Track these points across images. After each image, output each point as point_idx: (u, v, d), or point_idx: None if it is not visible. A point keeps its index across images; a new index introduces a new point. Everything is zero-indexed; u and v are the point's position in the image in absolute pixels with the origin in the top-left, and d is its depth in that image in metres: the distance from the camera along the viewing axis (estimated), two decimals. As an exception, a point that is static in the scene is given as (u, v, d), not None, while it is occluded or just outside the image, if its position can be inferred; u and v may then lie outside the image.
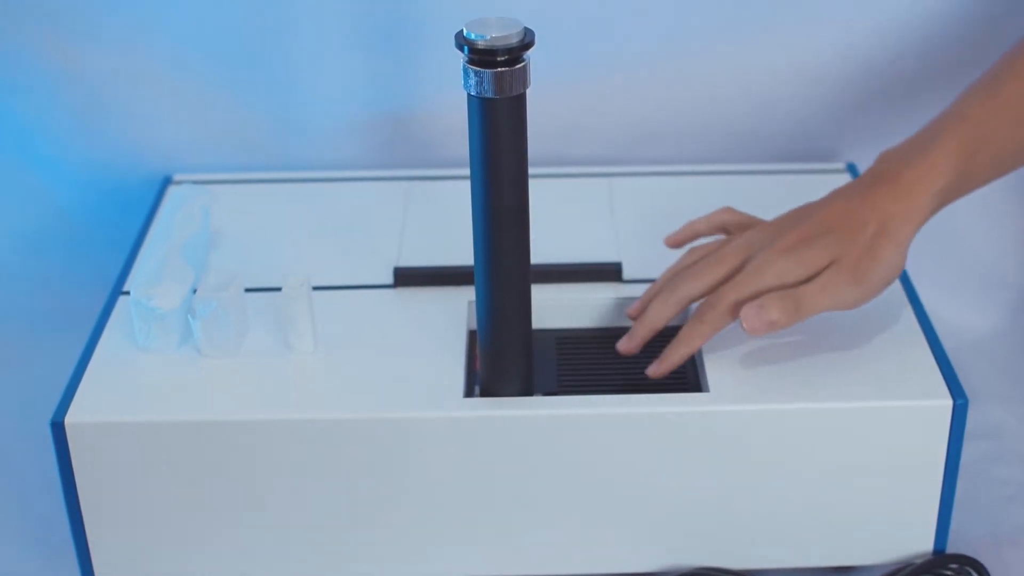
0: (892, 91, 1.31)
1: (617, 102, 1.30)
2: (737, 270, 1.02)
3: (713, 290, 1.02)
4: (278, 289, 1.06)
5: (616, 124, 1.32)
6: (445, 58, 1.23)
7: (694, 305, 1.05)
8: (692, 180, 1.27)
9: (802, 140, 1.33)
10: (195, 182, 1.23)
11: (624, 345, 1.05)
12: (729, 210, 1.10)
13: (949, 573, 1.03)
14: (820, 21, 1.26)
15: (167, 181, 1.29)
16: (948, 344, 1.07)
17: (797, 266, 1.00)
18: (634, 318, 1.06)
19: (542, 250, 1.05)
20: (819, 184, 1.24)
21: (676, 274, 1.05)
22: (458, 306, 1.09)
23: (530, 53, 0.90)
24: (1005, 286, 1.35)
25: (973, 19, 1.25)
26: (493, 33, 0.88)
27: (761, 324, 0.97)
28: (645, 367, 1.05)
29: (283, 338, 1.05)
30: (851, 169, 1.28)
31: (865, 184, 1.03)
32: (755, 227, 1.06)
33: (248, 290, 1.08)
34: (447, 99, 1.29)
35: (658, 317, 1.04)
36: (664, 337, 1.09)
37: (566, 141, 1.31)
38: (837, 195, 1.04)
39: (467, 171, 0.96)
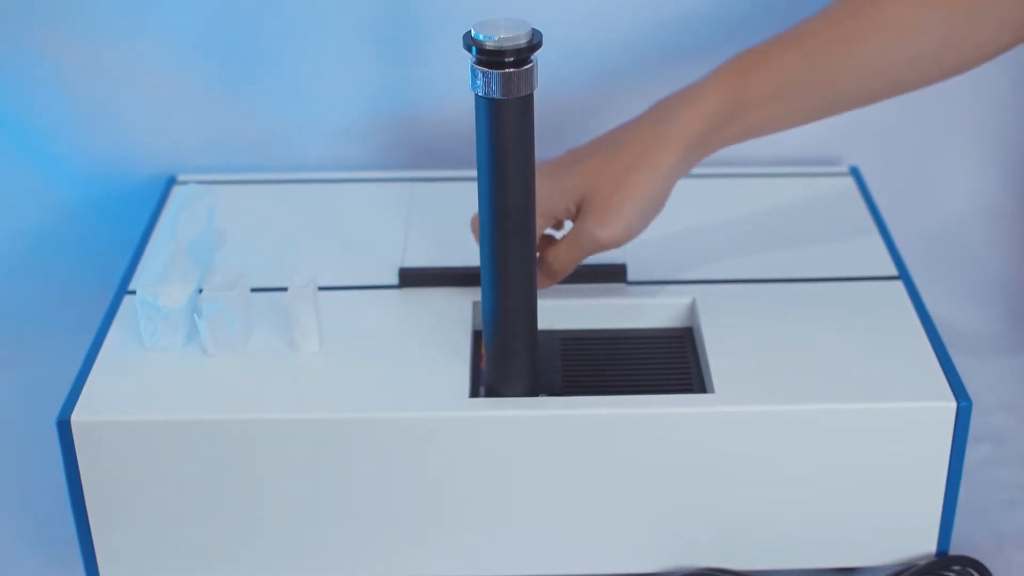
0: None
1: (623, 104, 1.30)
2: None
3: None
4: (283, 289, 1.06)
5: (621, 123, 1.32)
6: (449, 59, 1.24)
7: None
8: (696, 182, 1.27)
9: (805, 143, 1.33)
10: (199, 182, 1.23)
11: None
12: None
13: (951, 574, 1.03)
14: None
15: (172, 181, 1.29)
16: (950, 347, 1.07)
17: (554, 190, 1.03)
18: None
19: (547, 251, 1.05)
20: (822, 187, 1.25)
21: None
22: (463, 307, 1.09)
23: (538, 54, 0.90)
24: (1007, 289, 1.35)
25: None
26: (501, 34, 0.88)
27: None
28: (649, 368, 1.06)
29: (288, 338, 1.05)
30: (854, 172, 1.28)
31: (642, 114, 1.04)
32: None
33: (253, 290, 1.08)
34: (451, 100, 1.29)
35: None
36: (666, 337, 1.10)
37: (571, 142, 1.31)
38: (619, 125, 1.05)
39: (472, 172, 0.96)
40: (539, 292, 0.99)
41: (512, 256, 0.95)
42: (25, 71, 1.29)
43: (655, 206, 1.02)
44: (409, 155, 1.33)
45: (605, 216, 1.01)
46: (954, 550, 1.06)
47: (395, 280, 1.13)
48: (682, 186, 1.25)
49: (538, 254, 1.04)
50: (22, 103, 1.31)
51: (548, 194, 1.03)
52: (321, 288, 1.08)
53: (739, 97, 1.00)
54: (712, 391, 1.00)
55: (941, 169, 1.35)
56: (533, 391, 1.01)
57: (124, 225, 1.32)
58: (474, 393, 1.02)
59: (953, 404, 0.98)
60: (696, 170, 1.28)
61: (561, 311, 1.10)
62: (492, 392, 1.01)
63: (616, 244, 1.02)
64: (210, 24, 1.27)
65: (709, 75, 1.02)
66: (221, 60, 1.29)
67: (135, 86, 1.30)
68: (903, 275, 1.12)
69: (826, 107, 1.02)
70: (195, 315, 1.03)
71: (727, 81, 1.01)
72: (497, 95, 0.89)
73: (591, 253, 1.04)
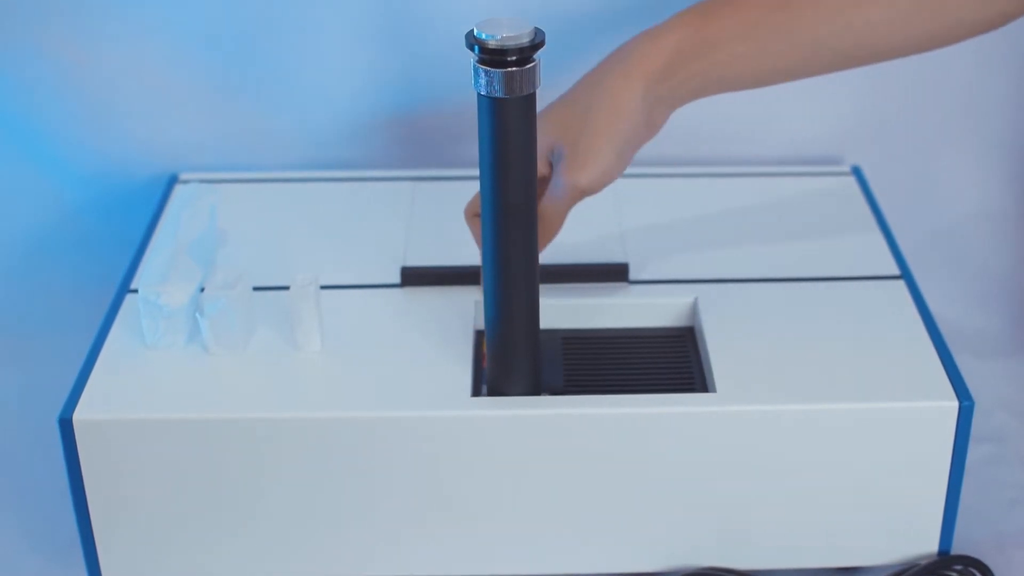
0: (896, 93, 1.31)
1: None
2: None
3: None
4: (285, 288, 1.06)
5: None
6: (452, 58, 1.24)
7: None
8: (698, 181, 1.27)
9: (807, 143, 1.33)
10: (201, 181, 1.23)
11: None
12: None
13: (953, 574, 1.03)
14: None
15: (173, 180, 1.29)
16: (951, 346, 1.07)
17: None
18: None
19: (549, 250, 1.05)
20: (824, 187, 1.25)
21: None
22: (465, 306, 1.09)
23: (540, 53, 0.90)
24: (1009, 288, 1.35)
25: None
26: (504, 33, 0.88)
27: None
28: (651, 368, 1.06)
29: (290, 337, 1.05)
30: (856, 172, 1.28)
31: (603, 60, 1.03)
32: None
33: (255, 289, 1.08)
34: (453, 99, 1.30)
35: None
36: (667, 336, 1.10)
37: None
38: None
39: (474, 171, 0.96)
40: (541, 291, 0.99)
41: (514, 255, 0.95)
42: (27, 70, 1.29)
43: (627, 142, 1.01)
44: (411, 154, 1.33)
45: (577, 162, 1.01)
46: (956, 550, 1.06)
47: (397, 279, 1.13)
48: (683, 185, 1.26)
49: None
50: (24, 102, 1.31)
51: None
52: (323, 287, 1.08)
53: (703, 31, 0.99)
54: (714, 390, 1.00)
55: (943, 168, 1.35)
56: (535, 390, 1.01)
57: (126, 224, 1.32)
58: (476, 392, 1.02)
59: (955, 404, 0.98)
60: (698, 169, 1.29)
61: (563, 310, 1.10)
62: (494, 391, 1.01)
63: (597, 186, 1.02)
64: (212, 23, 1.27)
65: (673, 16, 1.01)
66: (223, 59, 1.29)
67: (137, 85, 1.30)
68: (905, 274, 1.12)
69: (796, 57, 1.00)
70: (197, 314, 1.03)
71: (691, 16, 0.99)
72: (500, 94, 0.89)
73: (576, 201, 1.03)
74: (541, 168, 1.03)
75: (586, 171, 1.01)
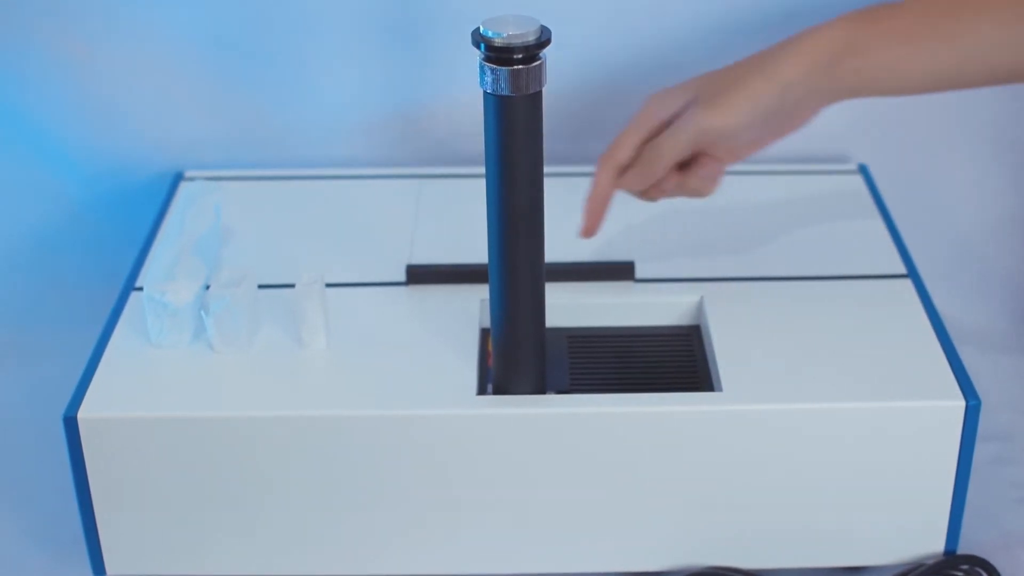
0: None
1: (631, 101, 1.29)
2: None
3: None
4: (290, 286, 1.06)
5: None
6: (457, 56, 1.24)
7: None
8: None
9: (814, 141, 1.33)
10: (207, 179, 1.23)
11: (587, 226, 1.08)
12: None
13: (960, 574, 1.03)
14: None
15: (179, 177, 1.29)
16: (957, 346, 1.06)
17: (668, 95, 1.03)
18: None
19: (555, 249, 1.05)
20: (831, 185, 1.25)
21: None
22: (470, 304, 1.09)
23: (547, 51, 0.90)
24: (1016, 287, 1.35)
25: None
26: (510, 31, 0.88)
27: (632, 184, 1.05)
28: (657, 366, 1.06)
29: (295, 335, 1.05)
30: (863, 170, 1.28)
31: None
32: None
33: (260, 287, 1.07)
34: (459, 97, 1.29)
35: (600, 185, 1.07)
36: (673, 335, 1.09)
37: (579, 139, 1.31)
38: None
39: (480, 169, 0.96)
40: (547, 290, 0.98)
41: (520, 254, 0.95)
42: (32, 68, 1.29)
43: (769, 110, 1.00)
44: (417, 152, 1.33)
45: (715, 102, 1.00)
46: (962, 549, 1.05)
47: (402, 277, 1.13)
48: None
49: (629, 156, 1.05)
50: (29, 100, 1.31)
51: (659, 96, 1.03)
52: (328, 285, 1.08)
53: (869, 29, 0.99)
54: (720, 389, 1.00)
55: (950, 167, 1.35)
56: (541, 389, 1.01)
57: (131, 222, 1.32)
58: (481, 391, 1.02)
59: (962, 403, 0.98)
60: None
61: (569, 309, 1.10)
62: (499, 390, 1.01)
63: (723, 130, 1.00)
64: (218, 20, 1.27)
65: (837, 16, 1.01)
66: (229, 57, 1.29)
67: (142, 83, 1.31)
68: (912, 273, 1.12)
69: (955, 66, 0.99)
70: (202, 312, 1.03)
71: (857, 15, 1.00)
72: (506, 92, 0.89)
73: (694, 139, 1.01)
74: (668, 110, 1.03)
75: (716, 112, 1.00)
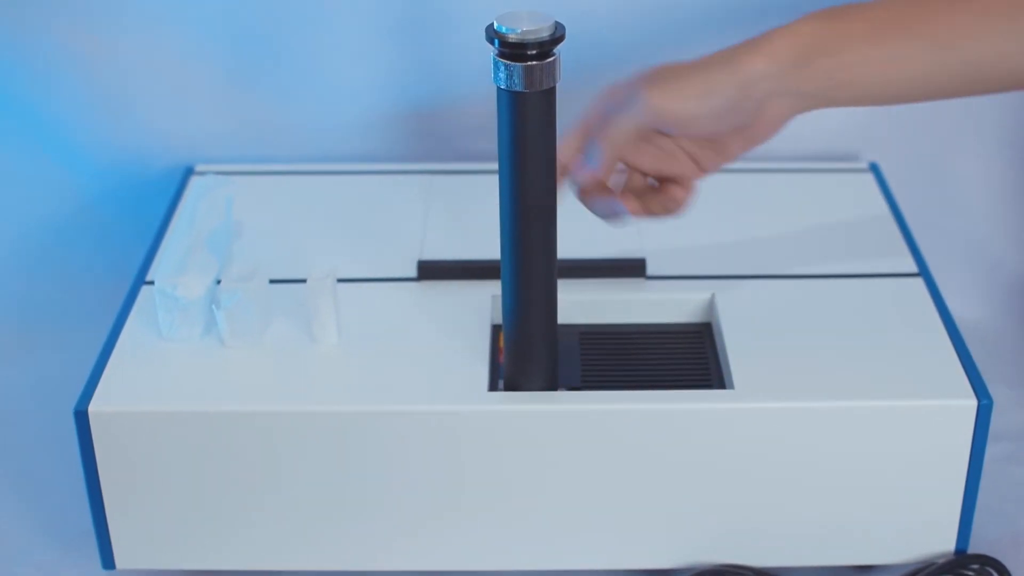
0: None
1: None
2: None
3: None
4: (301, 281, 1.06)
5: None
6: (468, 51, 1.24)
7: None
8: (715, 177, 1.26)
9: (825, 139, 1.33)
10: (218, 173, 1.23)
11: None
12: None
13: (970, 573, 1.03)
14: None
15: (190, 171, 1.29)
16: (968, 345, 1.06)
17: (630, 82, 0.96)
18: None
19: (567, 246, 1.04)
20: (841, 184, 1.25)
21: None
22: (481, 300, 1.09)
23: (560, 47, 0.89)
24: (1027, 289, 1.35)
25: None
26: (524, 27, 0.88)
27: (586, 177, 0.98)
28: (668, 364, 1.06)
29: (307, 330, 1.05)
30: (874, 169, 1.28)
31: None
32: None
33: (271, 282, 1.07)
34: (470, 93, 1.29)
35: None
36: (685, 332, 1.09)
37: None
38: None
39: (492, 165, 0.96)
40: (559, 287, 0.98)
41: (533, 250, 0.95)
42: (44, 62, 1.29)
43: (728, 107, 0.94)
44: (429, 147, 1.33)
45: (668, 86, 0.94)
46: (972, 549, 1.05)
47: (414, 273, 1.12)
48: (702, 180, 1.25)
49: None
50: (41, 94, 1.31)
51: (612, 88, 0.97)
52: (339, 280, 1.08)
53: (834, 28, 0.93)
54: (731, 387, 1.00)
55: (961, 165, 1.35)
56: (553, 385, 1.01)
57: (142, 215, 1.32)
58: (493, 387, 1.02)
59: (974, 402, 0.98)
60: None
61: (580, 306, 1.10)
62: (511, 386, 1.01)
63: (674, 114, 0.94)
64: (229, 14, 1.27)
65: (803, 15, 0.95)
66: (240, 51, 1.29)
67: (154, 77, 1.31)
68: (923, 272, 1.12)
69: (926, 68, 0.94)
70: (213, 306, 1.03)
71: (822, 13, 0.94)
72: (520, 88, 0.89)
73: (642, 122, 0.95)
74: (622, 92, 0.96)
75: (667, 95, 0.93)
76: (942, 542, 1.03)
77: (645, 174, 1.00)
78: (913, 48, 0.94)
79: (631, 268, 1.12)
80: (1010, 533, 1.11)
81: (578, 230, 1.08)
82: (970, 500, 1.01)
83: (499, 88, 0.90)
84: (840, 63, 0.93)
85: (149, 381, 1.01)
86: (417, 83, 1.30)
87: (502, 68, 0.89)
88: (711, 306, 1.10)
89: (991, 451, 1.15)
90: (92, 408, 0.98)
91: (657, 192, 1.00)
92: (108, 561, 1.03)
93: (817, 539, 1.03)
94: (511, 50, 0.88)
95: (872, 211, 1.21)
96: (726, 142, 0.98)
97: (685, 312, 1.11)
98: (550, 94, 0.90)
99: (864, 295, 1.09)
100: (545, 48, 0.88)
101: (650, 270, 1.12)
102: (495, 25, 0.89)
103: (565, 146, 0.99)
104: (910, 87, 0.95)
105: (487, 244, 1.09)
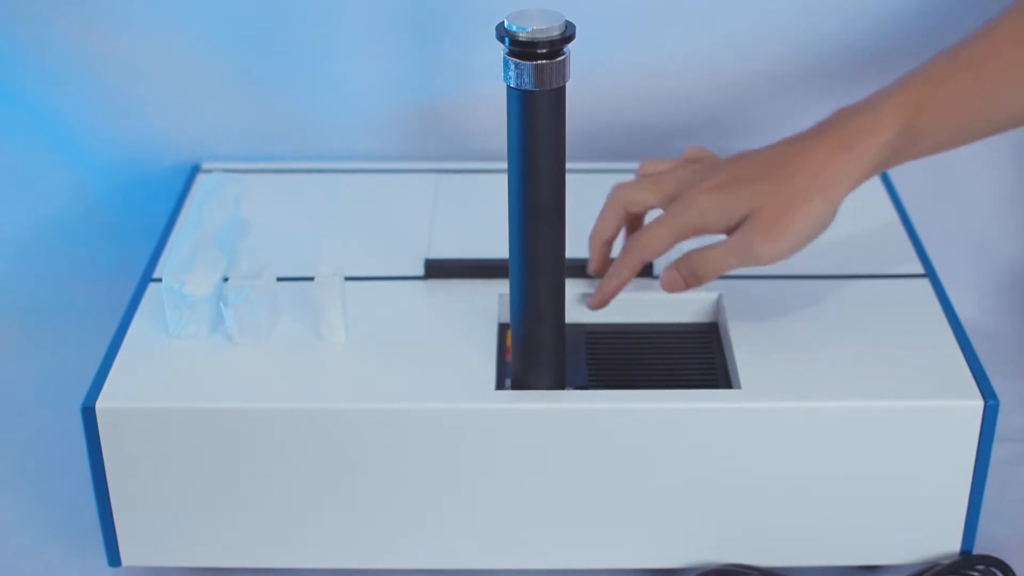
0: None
1: (650, 98, 1.30)
2: (671, 198, 1.03)
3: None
4: (309, 279, 1.06)
5: (646, 120, 1.32)
6: (476, 50, 1.24)
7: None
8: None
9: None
10: (225, 171, 1.23)
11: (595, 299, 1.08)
12: (697, 148, 1.09)
13: (975, 574, 1.03)
14: (845, 18, 1.26)
15: (196, 169, 1.29)
16: (975, 345, 1.06)
17: (718, 207, 0.99)
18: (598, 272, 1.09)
19: (574, 245, 1.04)
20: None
21: (619, 188, 1.07)
22: (489, 299, 1.09)
23: (570, 46, 0.89)
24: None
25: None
26: (535, 25, 0.88)
27: (667, 286, 1.03)
28: (675, 363, 1.06)
29: (314, 328, 1.05)
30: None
31: (810, 133, 1.00)
32: (703, 160, 1.06)
33: (279, 279, 1.08)
34: (478, 91, 1.29)
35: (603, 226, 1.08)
36: (691, 332, 1.09)
37: (604, 135, 1.31)
38: (782, 141, 1.02)
39: (500, 164, 0.96)
40: (566, 286, 0.98)
41: (542, 250, 0.95)
42: (51, 59, 1.29)
43: (822, 229, 0.99)
44: (437, 146, 1.33)
45: (772, 232, 0.97)
46: (978, 549, 1.05)
47: (421, 271, 1.13)
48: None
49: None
50: (48, 91, 1.31)
51: (709, 208, 0.99)
52: (347, 278, 1.08)
53: (913, 128, 0.97)
54: (738, 387, 1.00)
55: (969, 167, 1.35)
56: (560, 384, 1.01)
57: (149, 213, 1.32)
58: (500, 386, 1.02)
59: (980, 403, 0.98)
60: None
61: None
62: (518, 385, 1.01)
63: (775, 260, 0.98)
64: (236, 12, 1.27)
65: (882, 101, 0.98)
66: (247, 48, 1.29)
67: (160, 74, 1.31)
68: (929, 273, 1.12)
69: (994, 128, 0.99)
70: (221, 303, 1.03)
71: (902, 112, 0.97)
72: (529, 87, 0.89)
73: (746, 265, 1.00)
74: (716, 225, 1.00)
75: (777, 244, 0.97)
76: (948, 542, 1.03)
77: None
78: (983, 125, 0.99)
79: (638, 267, 1.12)
80: (1016, 534, 1.11)
81: (586, 230, 1.08)
82: (976, 501, 1.01)
83: (509, 87, 0.90)
84: (913, 153, 0.99)
85: (156, 378, 1.01)
86: (425, 81, 1.30)
87: (512, 67, 0.89)
88: (718, 306, 1.10)
89: (997, 452, 1.15)
90: (99, 404, 0.98)
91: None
92: (114, 558, 1.04)
93: (823, 539, 1.03)
94: (521, 49, 0.88)
95: (878, 212, 1.21)
96: None
97: (692, 312, 1.11)
98: (560, 93, 0.90)
99: (871, 296, 1.09)
100: (555, 47, 0.88)
101: (657, 269, 1.12)
102: (505, 23, 0.89)
103: (603, 223, 1.07)
104: (971, 142, 1.00)
105: (494, 243, 1.09)
